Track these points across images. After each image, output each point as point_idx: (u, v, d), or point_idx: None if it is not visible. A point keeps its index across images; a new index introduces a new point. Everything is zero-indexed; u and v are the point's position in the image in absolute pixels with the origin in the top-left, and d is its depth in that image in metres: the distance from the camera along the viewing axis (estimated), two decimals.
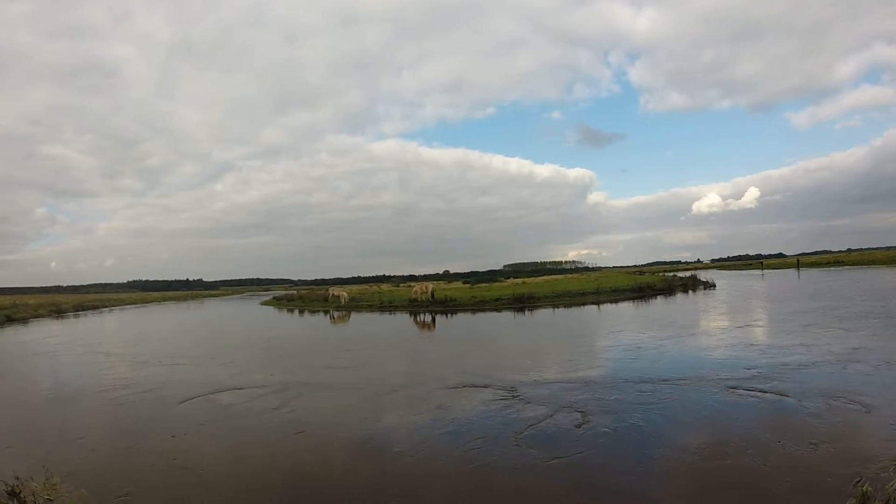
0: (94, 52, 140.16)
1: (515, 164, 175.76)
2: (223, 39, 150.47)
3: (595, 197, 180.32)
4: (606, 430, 7.18)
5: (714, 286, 38.41)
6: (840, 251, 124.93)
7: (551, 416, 7.92)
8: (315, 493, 5.89)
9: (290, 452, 7.10)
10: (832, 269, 60.24)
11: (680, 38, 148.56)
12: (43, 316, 42.97)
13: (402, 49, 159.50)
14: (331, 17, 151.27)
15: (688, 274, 49.85)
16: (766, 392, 8.47)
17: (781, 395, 8.25)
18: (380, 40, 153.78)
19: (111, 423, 9.13)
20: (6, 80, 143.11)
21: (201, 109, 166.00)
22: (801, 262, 77.90)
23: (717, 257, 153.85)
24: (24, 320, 38.91)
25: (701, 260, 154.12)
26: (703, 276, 47.91)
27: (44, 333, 28.65)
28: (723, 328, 16.52)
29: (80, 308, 54.45)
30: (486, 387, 10.02)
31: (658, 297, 31.97)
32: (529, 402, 8.72)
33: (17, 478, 5.44)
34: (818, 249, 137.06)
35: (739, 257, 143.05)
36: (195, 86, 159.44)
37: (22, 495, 5.20)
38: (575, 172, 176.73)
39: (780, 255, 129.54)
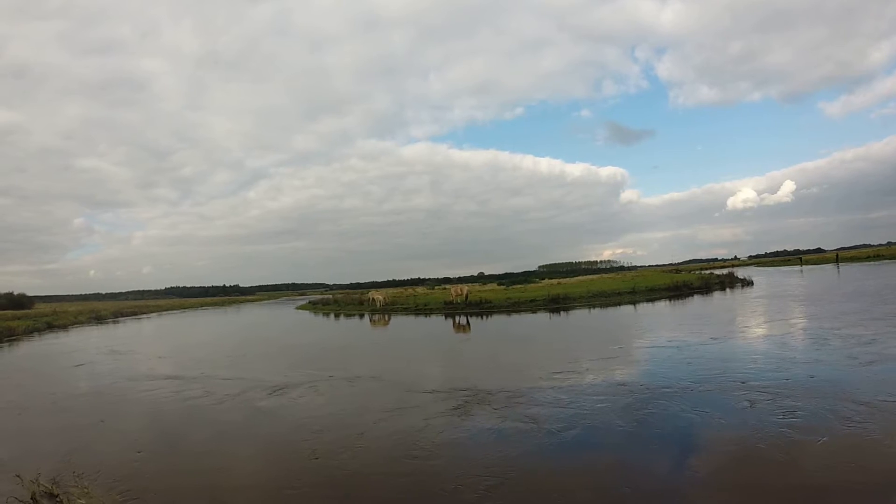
0: (123, 66, 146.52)
1: (546, 164, 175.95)
2: (249, 50, 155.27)
3: (628, 195, 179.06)
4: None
5: (752, 284, 37.69)
6: (880, 245, 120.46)
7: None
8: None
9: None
10: (872, 263, 58.32)
11: (707, 29, 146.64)
12: (83, 323, 44.31)
13: (427, 52, 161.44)
14: (353, 24, 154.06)
15: (725, 271, 48.89)
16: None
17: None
18: (404, 44, 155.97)
19: (150, 426, 9.51)
20: (40, 96, 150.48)
21: (232, 119, 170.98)
22: (841, 256, 75.62)
23: (753, 253, 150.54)
24: (64, 327, 40.17)
25: (738, 257, 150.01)
26: (741, 273, 46.92)
27: (82, 337, 29.77)
28: (767, 329, 15.88)
29: (118, 315, 55.88)
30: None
31: (695, 296, 31.53)
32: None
33: (55, 480, 5.73)
34: (857, 244, 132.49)
35: (777, 253, 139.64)
36: (224, 96, 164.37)
37: (59, 497, 5.42)
38: (606, 171, 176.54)
39: (819, 251, 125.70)
